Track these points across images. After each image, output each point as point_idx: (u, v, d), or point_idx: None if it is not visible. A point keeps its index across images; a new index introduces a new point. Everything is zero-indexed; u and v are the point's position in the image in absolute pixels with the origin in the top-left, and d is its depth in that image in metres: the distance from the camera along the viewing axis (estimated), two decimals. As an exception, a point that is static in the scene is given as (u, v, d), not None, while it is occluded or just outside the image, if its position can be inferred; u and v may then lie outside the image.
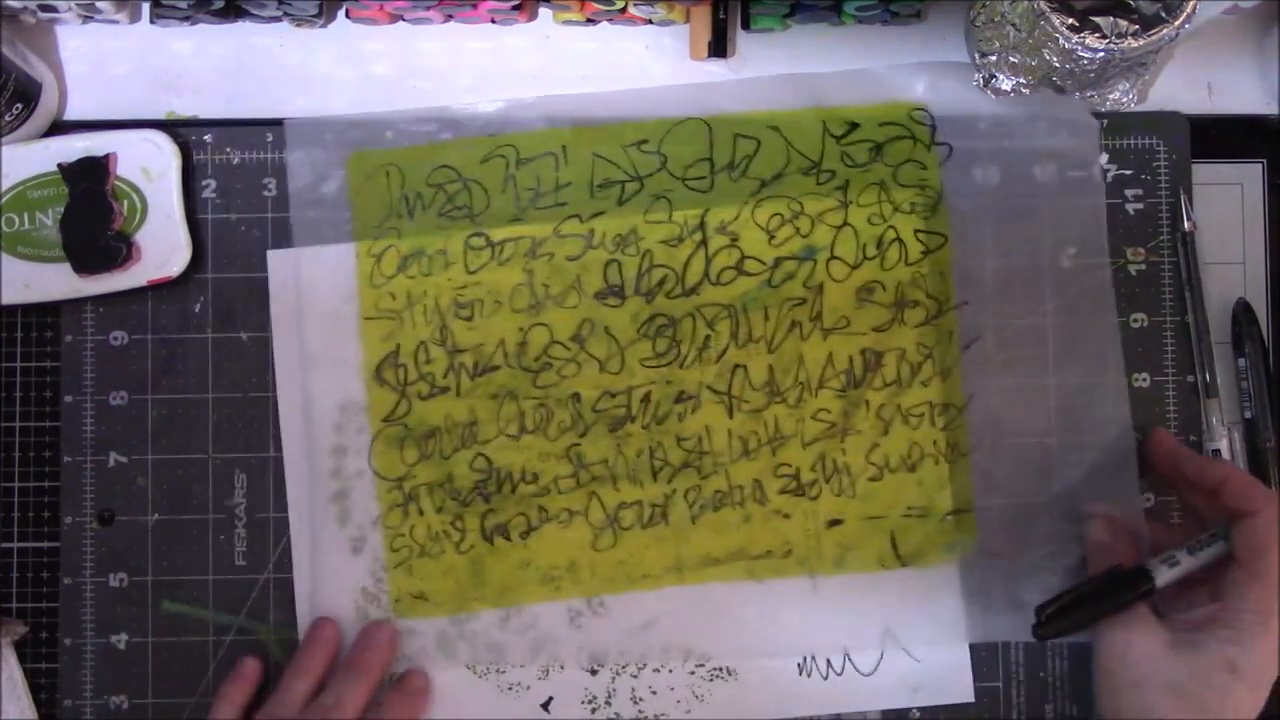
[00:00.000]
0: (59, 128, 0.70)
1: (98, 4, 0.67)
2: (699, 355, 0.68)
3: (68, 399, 0.69)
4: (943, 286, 0.69)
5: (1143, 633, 0.62)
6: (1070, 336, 0.69)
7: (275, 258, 0.69)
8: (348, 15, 0.69)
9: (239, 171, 0.69)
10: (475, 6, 0.67)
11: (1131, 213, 0.70)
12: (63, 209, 0.68)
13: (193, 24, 0.69)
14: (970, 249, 0.69)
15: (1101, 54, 0.61)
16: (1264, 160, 0.70)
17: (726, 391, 0.68)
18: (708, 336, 0.68)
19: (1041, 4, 0.61)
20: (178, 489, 0.69)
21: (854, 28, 0.69)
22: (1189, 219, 0.69)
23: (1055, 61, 0.64)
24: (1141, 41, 0.61)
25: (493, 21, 0.69)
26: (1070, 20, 0.61)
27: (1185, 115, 0.70)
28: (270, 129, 0.69)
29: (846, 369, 0.69)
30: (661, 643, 0.68)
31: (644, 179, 0.69)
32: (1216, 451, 0.68)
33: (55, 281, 0.68)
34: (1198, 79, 0.70)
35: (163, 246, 0.68)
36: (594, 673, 0.69)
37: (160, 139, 0.68)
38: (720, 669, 0.69)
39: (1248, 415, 0.69)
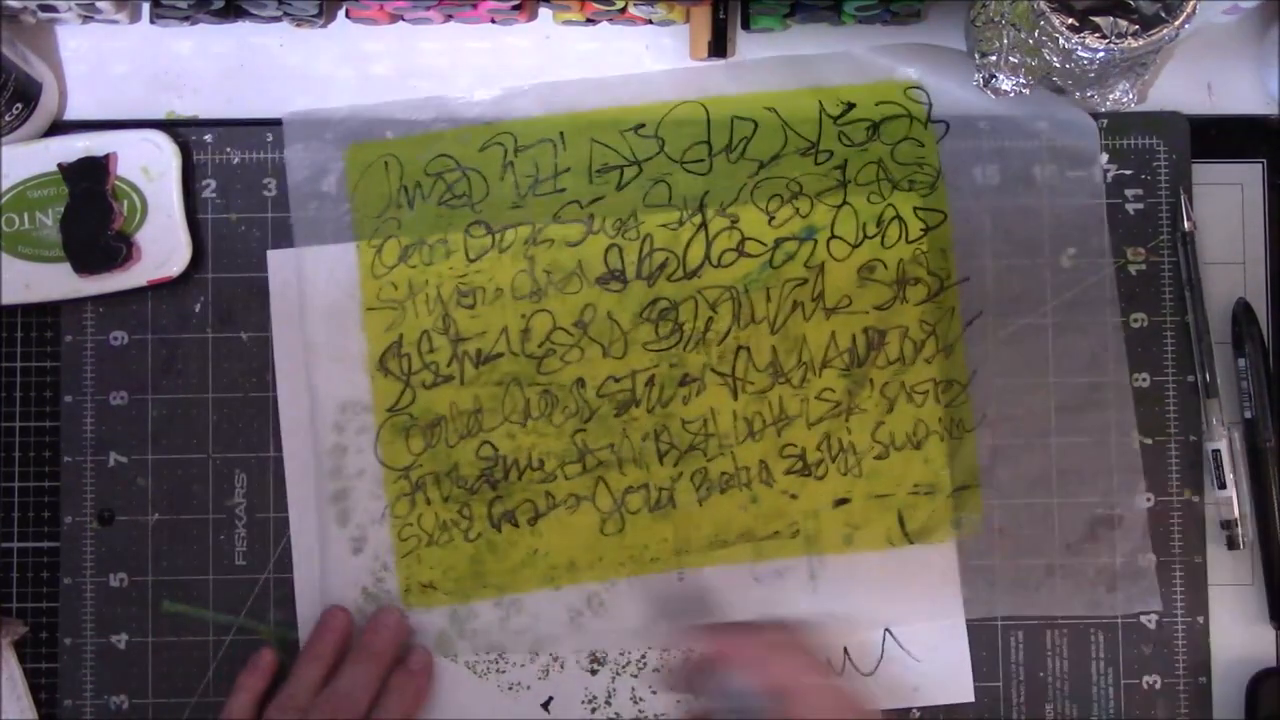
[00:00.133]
0: (59, 128, 0.70)
1: (98, 4, 0.67)
2: (702, 338, 0.69)
3: (68, 399, 0.69)
4: (943, 263, 0.69)
5: None
6: (1071, 335, 0.69)
7: (275, 257, 0.69)
8: (348, 15, 0.69)
9: (239, 171, 0.69)
10: (475, 6, 0.68)
11: (1131, 213, 0.70)
12: (63, 209, 0.68)
13: (193, 24, 0.69)
14: (968, 227, 0.69)
15: (1101, 54, 0.61)
16: (1264, 160, 0.71)
17: (730, 373, 0.69)
18: (710, 319, 0.69)
19: (1041, 4, 0.61)
20: (178, 489, 0.69)
21: (854, 28, 0.69)
22: (1189, 219, 0.69)
23: (1055, 61, 0.64)
24: (1141, 41, 0.61)
25: (493, 21, 0.69)
26: (1070, 20, 0.61)
27: (1185, 115, 0.70)
28: (270, 129, 0.69)
29: (850, 348, 0.69)
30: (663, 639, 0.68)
31: (642, 164, 0.69)
32: (1217, 451, 0.68)
33: (55, 281, 0.68)
34: (1198, 79, 0.71)
35: (163, 246, 0.68)
36: (594, 673, 0.69)
37: (160, 139, 0.68)
38: (721, 669, 0.69)
39: (1248, 415, 0.69)
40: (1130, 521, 0.69)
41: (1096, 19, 0.61)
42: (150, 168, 0.68)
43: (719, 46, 0.69)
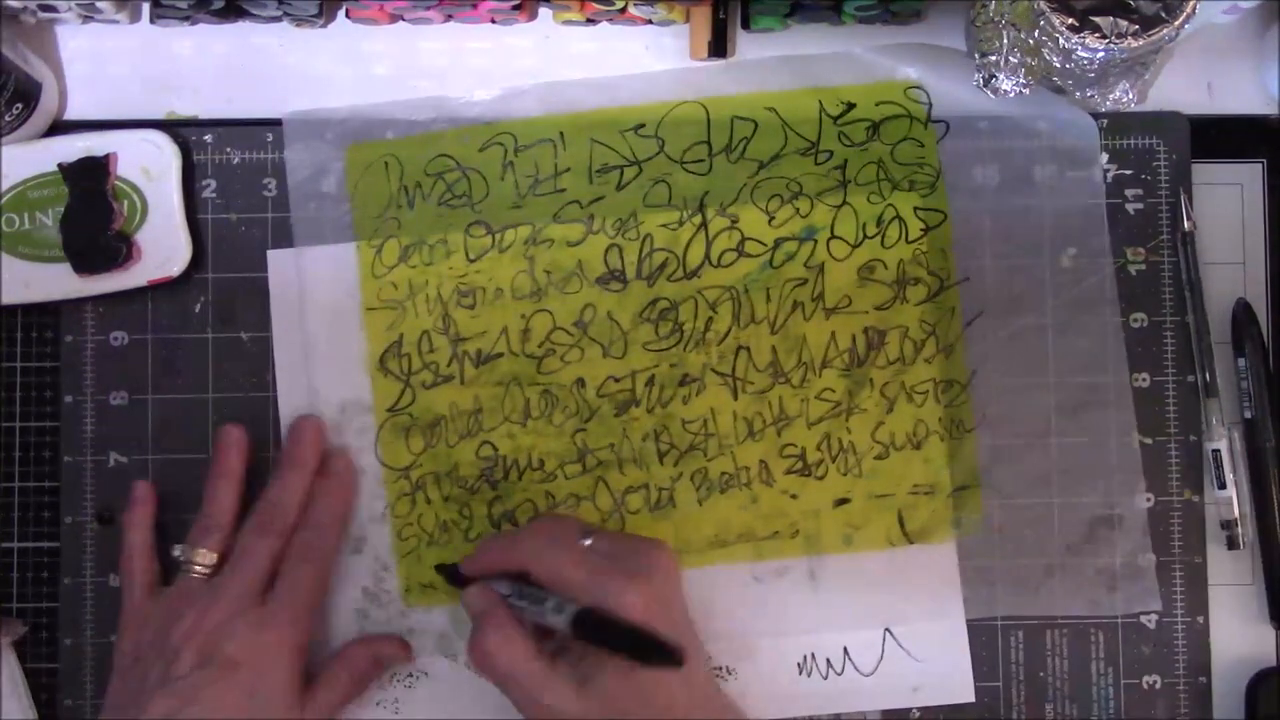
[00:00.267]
0: (59, 128, 0.70)
1: (98, 4, 0.67)
2: (702, 338, 0.69)
3: (68, 399, 0.69)
4: (943, 263, 0.69)
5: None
6: (1071, 335, 0.69)
7: (275, 257, 0.69)
8: (348, 15, 0.69)
9: (239, 171, 0.69)
10: (475, 6, 0.68)
11: (1131, 213, 0.70)
12: (63, 209, 0.68)
13: (193, 24, 0.69)
14: (968, 228, 0.69)
15: (1101, 54, 0.61)
16: (1264, 160, 0.70)
17: (730, 373, 0.69)
18: (710, 319, 0.69)
19: (1041, 4, 0.61)
20: (178, 489, 0.68)
21: (854, 27, 0.69)
22: (1189, 219, 0.69)
23: (1055, 61, 0.64)
24: (1141, 41, 0.61)
25: (493, 21, 0.69)
26: (1070, 20, 0.61)
27: (1185, 115, 0.70)
28: (270, 129, 0.69)
29: (850, 348, 0.69)
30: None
31: (642, 163, 0.69)
32: (1217, 451, 0.68)
33: (55, 281, 0.68)
34: (1198, 79, 0.71)
35: (163, 246, 0.68)
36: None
37: (160, 139, 0.68)
38: (720, 668, 0.68)
39: (1248, 415, 0.69)
40: (1130, 521, 0.69)
41: (1096, 19, 0.61)
42: (150, 168, 0.68)
43: (719, 46, 0.69)
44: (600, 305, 0.69)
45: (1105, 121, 0.70)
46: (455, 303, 0.69)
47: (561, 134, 0.69)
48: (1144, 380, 0.69)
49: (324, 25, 0.70)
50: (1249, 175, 0.70)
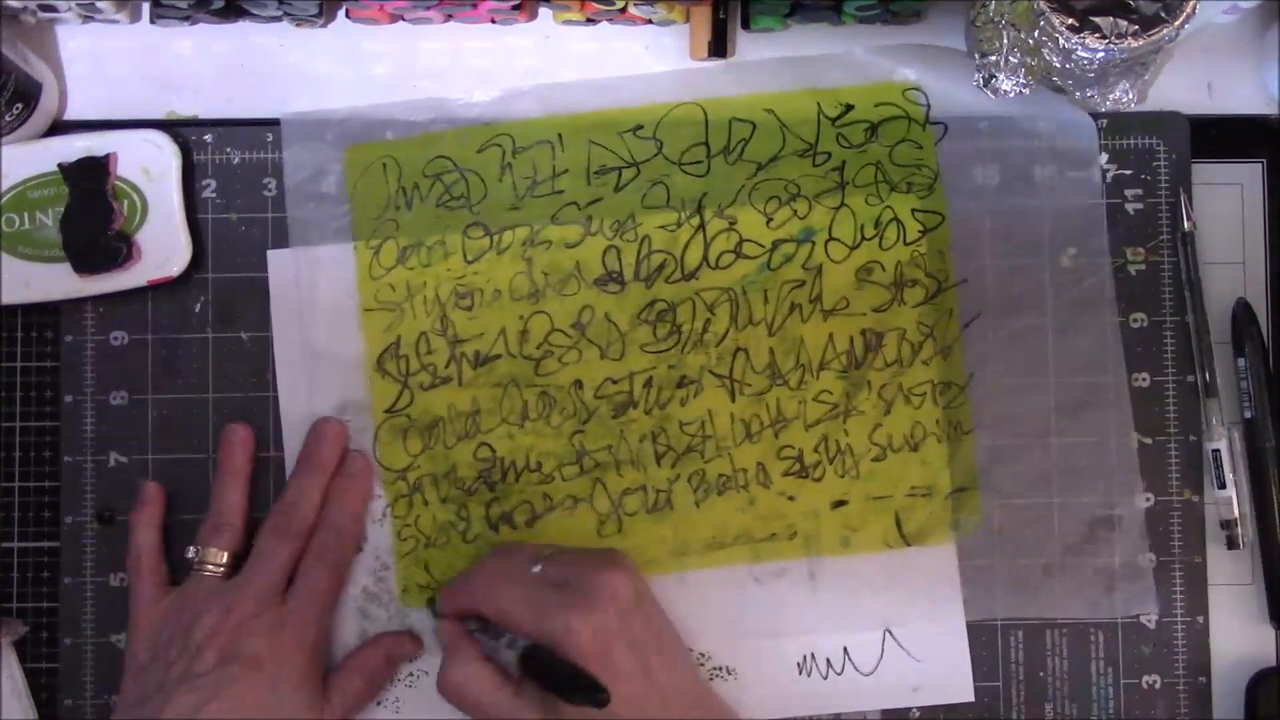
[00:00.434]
0: (59, 128, 0.70)
1: (98, 4, 0.67)
2: (699, 340, 0.69)
3: (68, 399, 0.69)
4: (941, 265, 0.69)
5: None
6: (1070, 336, 0.69)
7: (275, 257, 0.69)
8: (348, 15, 0.69)
9: (239, 171, 0.69)
10: (475, 6, 0.68)
11: (1131, 213, 0.70)
12: (63, 209, 0.68)
13: (193, 24, 0.69)
14: (968, 228, 0.69)
15: (1101, 54, 0.61)
16: (1264, 160, 0.70)
17: (728, 375, 0.69)
18: (708, 321, 0.69)
19: (1041, 4, 0.61)
20: (178, 489, 0.69)
21: (854, 27, 0.69)
22: (1189, 219, 0.69)
23: (1055, 61, 0.64)
24: (1141, 41, 0.61)
25: (493, 21, 0.69)
26: (1070, 20, 0.61)
27: (1185, 115, 0.70)
28: (270, 129, 0.69)
29: (847, 350, 0.69)
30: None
31: (640, 165, 0.69)
32: (1217, 451, 0.68)
33: (55, 281, 0.68)
34: (1198, 79, 0.71)
35: (163, 246, 0.68)
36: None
37: (160, 139, 0.68)
38: (720, 668, 0.69)
39: (1248, 415, 0.69)
40: (1129, 522, 0.69)
41: (1096, 19, 0.61)
42: (150, 168, 0.68)
43: (719, 46, 0.69)
44: (598, 307, 0.69)
45: (1105, 121, 0.70)
46: (453, 304, 0.69)
47: (560, 135, 0.69)
48: (1144, 380, 0.69)
49: (324, 25, 0.70)
50: (1249, 175, 0.70)
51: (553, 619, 0.60)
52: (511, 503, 0.68)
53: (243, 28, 0.70)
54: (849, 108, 0.69)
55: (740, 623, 0.68)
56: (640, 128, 0.69)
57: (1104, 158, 0.70)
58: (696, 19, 0.69)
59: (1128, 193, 0.70)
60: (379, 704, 0.68)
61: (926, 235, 0.69)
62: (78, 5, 0.67)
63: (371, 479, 0.68)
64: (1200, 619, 0.69)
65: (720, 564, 0.68)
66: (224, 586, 0.65)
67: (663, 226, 0.69)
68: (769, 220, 0.69)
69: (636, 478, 0.68)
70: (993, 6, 0.65)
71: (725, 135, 0.69)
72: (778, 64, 0.69)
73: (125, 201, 0.68)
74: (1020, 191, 0.69)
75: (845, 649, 0.69)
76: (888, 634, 0.69)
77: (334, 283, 0.69)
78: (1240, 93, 0.71)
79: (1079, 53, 0.62)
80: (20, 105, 0.66)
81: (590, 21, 0.69)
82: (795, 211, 0.69)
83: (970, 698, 0.69)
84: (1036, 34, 0.63)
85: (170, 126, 0.69)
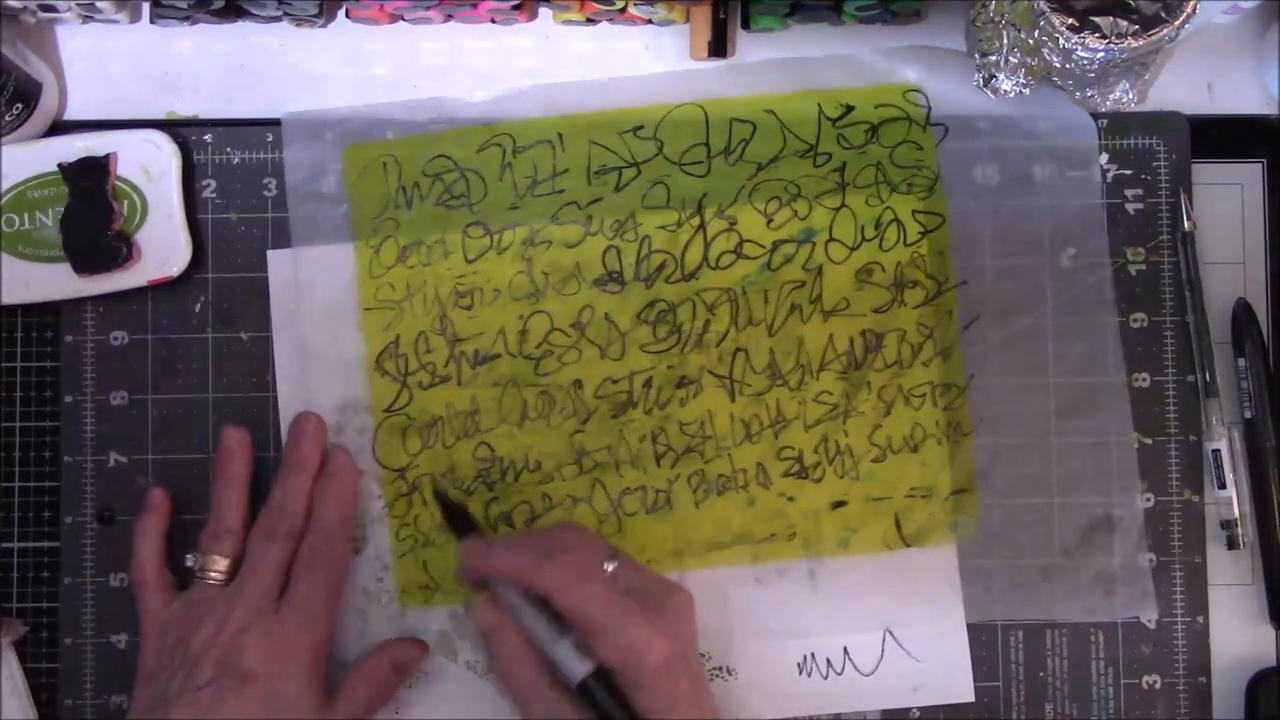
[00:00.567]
0: (59, 128, 0.70)
1: (98, 4, 0.67)
2: (699, 340, 0.69)
3: (68, 399, 0.69)
4: (942, 266, 0.69)
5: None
6: (1070, 336, 0.69)
7: (275, 257, 0.69)
8: (348, 15, 0.69)
9: (239, 171, 0.69)
10: (475, 6, 0.68)
11: (1131, 213, 0.70)
12: (63, 209, 0.68)
13: (193, 24, 0.69)
14: (968, 228, 0.69)
15: (1101, 54, 0.61)
16: (1264, 160, 0.70)
17: (728, 375, 0.69)
18: (708, 321, 0.69)
19: (1041, 4, 0.61)
20: (178, 489, 0.69)
21: (854, 27, 0.69)
22: (1189, 219, 0.69)
23: (1055, 61, 0.64)
24: (1141, 41, 0.61)
25: (493, 21, 0.69)
26: (1070, 20, 0.61)
27: (1185, 115, 0.70)
28: (270, 129, 0.69)
29: (847, 350, 0.69)
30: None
31: (641, 165, 0.69)
32: (1217, 451, 0.68)
33: (55, 281, 0.68)
34: (1198, 79, 0.71)
35: (163, 246, 0.68)
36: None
37: (160, 139, 0.68)
38: (720, 668, 0.69)
39: (1248, 415, 0.69)
40: (1128, 524, 0.69)
41: (1096, 19, 0.61)
42: (150, 168, 0.68)
43: (719, 46, 0.69)
44: (598, 306, 0.69)
45: (1105, 121, 0.70)
46: (453, 303, 0.69)
47: (560, 135, 0.69)
48: (1144, 380, 0.69)
49: (324, 25, 0.70)
50: (1249, 175, 0.70)
51: (632, 628, 0.59)
52: (511, 502, 0.68)
53: (243, 28, 0.70)
54: (849, 109, 0.69)
55: (740, 623, 0.68)
56: (640, 128, 0.69)
57: (1104, 158, 0.70)
58: (696, 19, 0.69)
59: (1128, 193, 0.70)
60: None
61: (927, 236, 0.69)
62: (78, 5, 0.67)
63: (355, 475, 0.68)
64: (1200, 619, 0.69)
65: (720, 564, 0.68)
66: (221, 595, 0.64)
67: (663, 226, 0.69)
68: (769, 221, 0.69)
69: (636, 478, 0.68)
70: (993, 6, 0.65)
71: (726, 135, 0.69)
72: (778, 65, 0.69)
73: (125, 201, 0.68)
74: (1020, 192, 0.69)
75: (845, 649, 0.69)
76: (888, 634, 0.69)
77: (334, 282, 0.69)
78: (1240, 93, 0.71)
79: (1079, 53, 0.62)
80: (20, 105, 0.66)
81: (590, 21, 0.69)
82: (795, 212, 0.69)
83: (970, 698, 0.69)
84: (1036, 34, 0.63)
85: (170, 126, 0.69)
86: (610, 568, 0.62)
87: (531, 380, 0.69)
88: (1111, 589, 0.68)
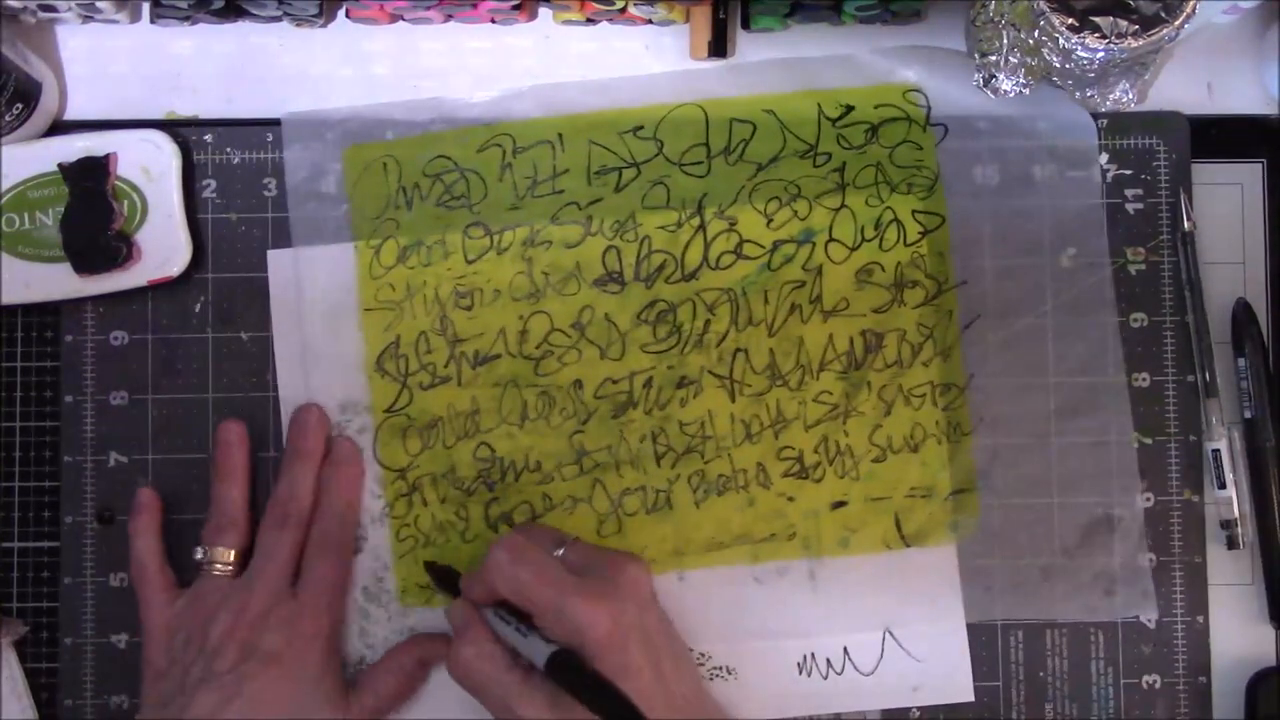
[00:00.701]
0: (59, 128, 0.70)
1: (98, 4, 0.67)
2: (699, 340, 0.69)
3: (68, 399, 0.69)
4: (941, 266, 0.69)
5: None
6: (1070, 336, 0.69)
7: (275, 257, 0.69)
8: (348, 15, 0.69)
9: (239, 171, 0.69)
10: (475, 6, 0.68)
11: (1131, 213, 0.70)
12: (63, 209, 0.68)
13: (193, 24, 0.69)
14: (968, 228, 0.69)
15: (1101, 54, 0.61)
16: (1264, 160, 0.70)
17: (728, 375, 0.69)
18: (708, 321, 0.69)
19: (1041, 4, 0.61)
20: (178, 489, 0.69)
21: (854, 28, 0.69)
22: (1189, 219, 0.69)
23: (1055, 61, 0.64)
24: (1141, 41, 0.61)
25: (493, 21, 0.69)
26: (1070, 20, 0.61)
27: (1185, 115, 0.70)
28: (270, 129, 0.69)
29: (847, 351, 0.69)
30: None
31: (641, 165, 0.69)
32: (1217, 451, 0.68)
33: (55, 281, 0.68)
34: (1198, 79, 0.71)
35: (163, 246, 0.68)
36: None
37: (160, 139, 0.68)
38: (720, 668, 0.69)
39: (1248, 415, 0.69)
40: (1129, 523, 0.69)
41: (1096, 19, 0.61)
42: (150, 168, 0.68)
43: (719, 46, 0.69)
44: (598, 307, 0.69)
45: (1105, 121, 0.70)
46: (453, 304, 0.69)
47: (560, 135, 0.69)
48: (1144, 380, 0.69)
49: (324, 25, 0.70)
50: (1249, 175, 0.70)
51: (572, 603, 0.60)
52: (511, 503, 0.68)
53: (243, 28, 0.70)
54: (849, 109, 0.69)
55: (740, 623, 0.68)
56: (640, 128, 0.69)
57: (1104, 158, 0.70)
58: (696, 19, 0.69)
59: (1128, 193, 0.70)
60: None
61: (927, 236, 0.69)
62: (78, 5, 0.67)
63: (361, 463, 0.68)
64: (1200, 619, 0.69)
65: (720, 564, 0.68)
66: (234, 585, 0.65)
67: (663, 227, 0.69)
68: (769, 221, 0.69)
69: (636, 478, 0.68)
70: (993, 6, 0.65)
71: (725, 136, 0.69)
72: (778, 65, 0.69)
73: (125, 201, 0.68)
74: (1020, 192, 0.69)
75: (845, 649, 0.69)
76: (888, 634, 0.69)
77: (334, 282, 0.69)
78: (1240, 93, 0.71)
79: (1079, 53, 0.62)
80: (20, 105, 0.66)
81: (590, 21, 0.69)
82: (795, 212, 0.69)
83: (970, 698, 0.69)
84: (1036, 34, 0.63)
85: (170, 126, 0.69)
86: (559, 553, 0.64)
87: (531, 380, 0.69)
88: (1111, 589, 0.69)
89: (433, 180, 0.69)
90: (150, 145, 0.68)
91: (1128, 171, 0.70)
